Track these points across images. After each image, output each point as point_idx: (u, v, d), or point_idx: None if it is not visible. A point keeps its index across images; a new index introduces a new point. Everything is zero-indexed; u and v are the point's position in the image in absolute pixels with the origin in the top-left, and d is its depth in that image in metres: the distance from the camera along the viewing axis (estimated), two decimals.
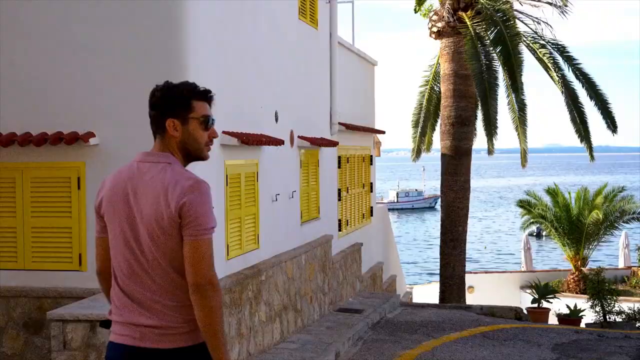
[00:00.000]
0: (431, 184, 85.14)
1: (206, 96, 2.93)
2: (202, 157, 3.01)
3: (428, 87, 18.58)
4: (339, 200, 12.09)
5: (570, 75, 16.30)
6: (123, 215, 2.83)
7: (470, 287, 19.82)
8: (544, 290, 14.86)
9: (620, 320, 14.41)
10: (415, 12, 17.80)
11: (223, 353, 2.86)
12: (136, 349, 2.82)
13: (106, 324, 3.05)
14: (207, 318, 2.75)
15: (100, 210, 2.91)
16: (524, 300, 18.62)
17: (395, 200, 77.90)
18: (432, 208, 76.10)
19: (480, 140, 17.78)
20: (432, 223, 60.92)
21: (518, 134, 17.30)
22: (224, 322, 2.82)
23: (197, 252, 2.71)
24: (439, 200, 17.47)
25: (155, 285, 2.80)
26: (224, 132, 7.33)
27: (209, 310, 2.74)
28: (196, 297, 2.72)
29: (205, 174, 7.02)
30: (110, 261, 2.94)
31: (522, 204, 21.01)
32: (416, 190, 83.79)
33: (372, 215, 14.62)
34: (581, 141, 16.77)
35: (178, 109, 2.87)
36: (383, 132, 15.05)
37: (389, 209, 75.82)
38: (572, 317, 14.34)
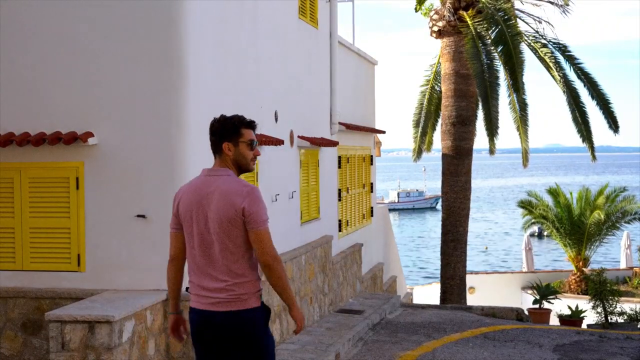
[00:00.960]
0: (432, 184, 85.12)
1: (251, 125, 4.02)
2: (249, 170, 4.03)
3: (429, 86, 18.54)
4: (339, 200, 12.06)
5: (571, 75, 16.27)
6: (198, 215, 3.87)
7: (471, 287, 19.79)
8: (545, 291, 14.82)
9: (622, 321, 14.36)
10: (416, 11, 17.77)
11: (293, 301, 3.89)
12: (211, 312, 3.83)
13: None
14: (278, 283, 3.82)
15: (177, 212, 3.97)
16: (525, 301, 18.59)
17: (396, 201, 77.90)
18: (433, 208, 76.11)
19: (481, 140, 17.77)
20: (433, 223, 60.92)
21: (519, 134, 17.27)
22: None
23: (260, 238, 3.80)
24: (440, 200, 17.44)
25: (222, 267, 3.82)
26: None
27: (277, 278, 3.82)
28: (266, 270, 3.81)
29: None
30: (182, 250, 4.02)
31: (523, 204, 20.97)
32: (417, 190, 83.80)
33: (372, 215, 14.58)
34: (583, 141, 16.73)
35: (231, 135, 3.95)
36: (383, 132, 15.01)
37: (390, 209, 75.83)
38: (573, 318, 14.30)
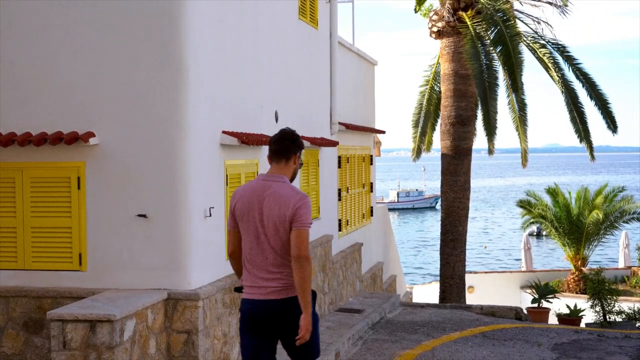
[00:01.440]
0: (432, 184, 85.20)
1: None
2: (293, 179, 4.66)
3: (428, 87, 18.58)
4: (339, 200, 12.09)
5: (570, 75, 16.30)
6: (254, 214, 4.40)
7: (471, 287, 19.83)
8: (544, 290, 14.87)
9: (620, 320, 14.41)
10: (416, 12, 17.81)
11: (308, 306, 4.32)
12: (262, 301, 4.41)
13: (239, 289, 4.58)
14: (302, 282, 4.27)
15: (235, 212, 4.48)
16: (524, 300, 18.64)
17: (396, 200, 77.91)
18: (432, 208, 76.16)
19: (480, 140, 17.79)
20: (432, 223, 60.93)
21: (518, 134, 17.31)
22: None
23: (299, 235, 4.31)
24: (440, 200, 17.48)
25: (271, 261, 4.39)
26: (223, 132, 7.33)
27: (301, 276, 4.26)
28: (295, 265, 4.28)
29: (206, 174, 7.05)
30: (239, 246, 4.54)
31: (522, 204, 21.02)
32: (417, 190, 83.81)
33: (372, 215, 14.62)
34: (581, 141, 16.77)
35: (299, 150, 4.59)
36: (383, 132, 15.05)
37: (390, 209, 75.73)
38: (572, 317, 14.35)
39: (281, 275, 4.40)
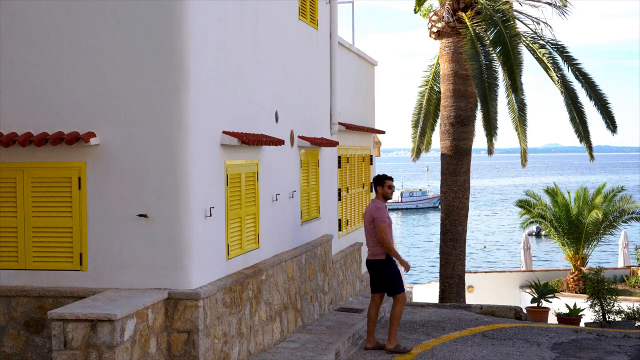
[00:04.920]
0: (435, 184, 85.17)
1: (389, 177, 8.84)
2: (388, 198, 8.75)
3: (428, 87, 18.60)
4: (339, 200, 12.11)
5: (569, 75, 16.33)
6: (365, 221, 8.62)
7: (470, 286, 19.84)
8: (543, 290, 14.88)
9: (620, 319, 14.43)
10: (415, 12, 17.82)
11: (397, 255, 8.53)
12: (369, 260, 8.64)
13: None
14: (388, 250, 8.40)
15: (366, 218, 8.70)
16: (524, 300, 18.66)
17: (400, 200, 77.91)
18: (436, 208, 76.20)
19: (479, 140, 17.81)
20: (434, 222, 60.88)
21: (518, 134, 17.33)
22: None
23: (379, 230, 8.36)
24: None
25: (370, 241, 8.59)
26: (224, 132, 7.35)
27: (387, 247, 8.42)
28: (382, 243, 8.45)
29: (206, 174, 7.07)
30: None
31: (521, 203, 21.03)
32: (420, 190, 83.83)
33: None
34: (580, 141, 16.79)
35: (381, 184, 8.68)
36: (383, 132, 15.07)
37: (393, 209, 75.14)
38: (571, 317, 14.37)
39: (376, 246, 8.57)
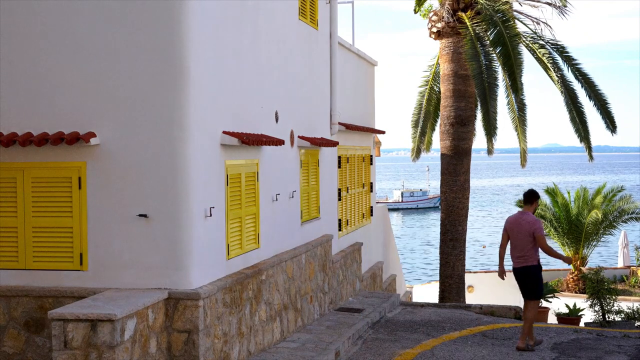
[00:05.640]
0: (436, 184, 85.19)
1: (538, 196, 9.60)
2: (535, 211, 9.66)
3: (428, 87, 18.60)
4: (339, 200, 12.12)
5: (569, 75, 16.34)
6: (516, 230, 9.05)
7: (470, 286, 19.84)
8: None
9: (619, 319, 14.43)
10: (415, 12, 17.83)
11: (560, 257, 9.28)
12: (521, 268, 9.07)
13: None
14: (549, 253, 9.09)
15: (507, 227, 9.21)
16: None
17: (400, 200, 77.94)
18: (436, 208, 76.24)
19: (479, 140, 17.82)
20: (434, 222, 60.86)
21: (517, 134, 17.33)
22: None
23: (540, 240, 8.95)
24: None
25: (522, 248, 9.03)
26: (224, 132, 7.36)
27: (552, 253, 9.13)
28: (546, 253, 9.09)
29: (206, 174, 7.08)
30: (507, 242, 9.22)
31: (521, 203, 20.97)
32: (421, 190, 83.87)
33: (372, 215, 14.65)
34: (580, 141, 16.80)
35: (537, 199, 9.38)
36: (383, 132, 15.07)
37: (394, 209, 74.89)
38: (571, 317, 14.37)
39: (526, 256, 9.03)
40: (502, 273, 9.22)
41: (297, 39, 9.84)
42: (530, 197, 9.21)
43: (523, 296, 9.16)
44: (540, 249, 8.95)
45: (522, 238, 8.92)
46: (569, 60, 16.23)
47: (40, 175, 6.91)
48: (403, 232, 57.95)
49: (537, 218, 9.05)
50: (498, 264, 9.26)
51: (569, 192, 20.60)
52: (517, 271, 9.06)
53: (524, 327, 9.14)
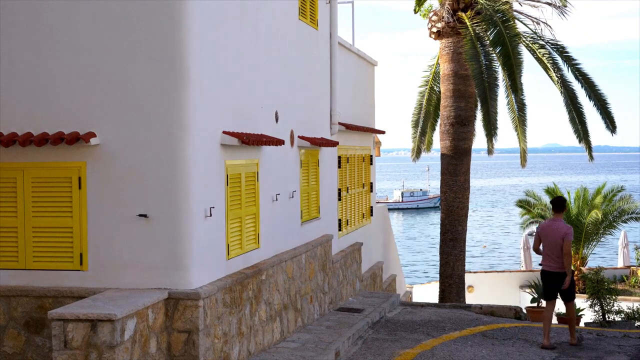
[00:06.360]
0: (436, 184, 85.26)
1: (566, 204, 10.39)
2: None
3: (428, 87, 18.60)
4: (339, 200, 12.12)
5: (569, 76, 16.33)
6: (549, 236, 9.39)
7: (470, 286, 19.85)
8: (543, 290, 14.85)
9: (619, 319, 14.43)
10: (415, 12, 17.83)
11: (569, 272, 9.36)
12: (552, 272, 9.45)
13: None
14: (566, 263, 9.33)
15: (540, 233, 9.51)
16: (524, 300, 18.66)
17: (400, 200, 77.96)
18: (437, 208, 76.26)
19: (479, 140, 17.83)
20: (435, 222, 60.87)
21: (517, 134, 17.34)
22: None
23: (567, 244, 9.30)
24: None
25: (555, 254, 9.40)
26: (224, 132, 7.36)
27: (567, 261, 9.32)
28: (564, 256, 9.33)
29: (206, 174, 7.07)
30: (538, 248, 9.66)
31: (521, 203, 21.02)
32: (421, 190, 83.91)
33: (372, 215, 14.65)
34: (580, 141, 16.80)
35: (564, 207, 9.74)
36: (383, 132, 15.08)
37: (395, 209, 74.99)
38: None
39: (559, 259, 9.38)
40: None
41: (297, 39, 9.84)
42: (560, 204, 9.64)
43: (546, 298, 9.65)
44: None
45: (554, 244, 9.34)
46: (569, 60, 16.23)
47: (40, 175, 6.91)
48: (403, 232, 57.97)
49: (569, 225, 9.60)
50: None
51: (569, 192, 20.61)
52: (548, 274, 9.45)
53: (569, 326, 9.75)
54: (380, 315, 11.31)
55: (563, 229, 9.31)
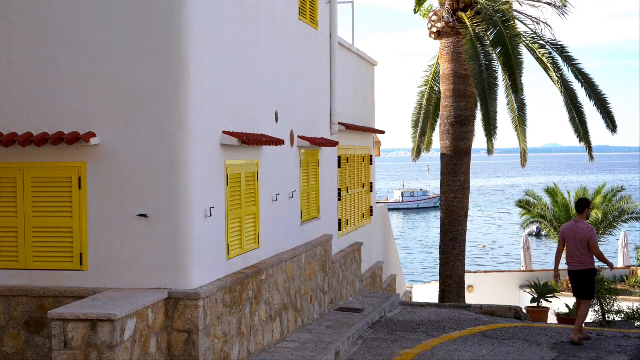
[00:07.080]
0: (436, 184, 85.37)
1: (590, 204, 10.71)
2: (588, 218, 10.27)
3: (428, 87, 18.61)
4: (339, 200, 12.12)
5: (569, 75, 16.33)
6: (572, 237, 9.77)
7: (470, 286, 19.85)
8: (543, 290, 14.88)
9: (619, 319, 14.44)
10: (415, 12, 17.83)
11: (607, 262, 10.06)
12: (576, 271, 9.87)
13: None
14: (602, 259, 9.93)
15: (564, 234, 9.86)
16: (524, 300, 18.66)
17: (401, 200, 77.98)
18: (437, 208, 76.29)
19: (479, 140, 17.83)
20: (436, 222, 60.87)
21: (517, 134, 17.34)
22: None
23: (593, 245, 9.68)
24: None
25: (580, 252, 9.78)
26: (224, 132, 7.36)
27: (602, 258, 9.90)
28: (598, 256, 9.84)
29: (206, 174, 7.08)
30: (563, 247, 10.00)
31: (521, 203, 21.03)
32: (421, 190, 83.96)
33: (372, 215, 14.65)
34: (580, 141, 16.80)
35: (587, 207, 10.01)
36: (383, 132, 15.08)
37: (394, 209, 75.03)
38: (571, 317, 14.34)
39: (586, 258, 9.74)
40: (556, 276, 10.29)
41: (297, 39, 9.84)
42: (583, 205, 9.95)
43: (575, 295, 9.98)
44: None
45: (577, 244, 9.72)
46: (569, 60, 16.23)
47: (40, 175, 6.91)
48: (403, 232, 57.97)
49: (591, 226, 9.88)
50: (554, 267, 10.34)
51: (569, 192, 20.62)
52: (574, 273, 9.83)
53: (577, 323, 9.77)
54: (380, 315, 11.31)
55: (586, 230, 9.65)
